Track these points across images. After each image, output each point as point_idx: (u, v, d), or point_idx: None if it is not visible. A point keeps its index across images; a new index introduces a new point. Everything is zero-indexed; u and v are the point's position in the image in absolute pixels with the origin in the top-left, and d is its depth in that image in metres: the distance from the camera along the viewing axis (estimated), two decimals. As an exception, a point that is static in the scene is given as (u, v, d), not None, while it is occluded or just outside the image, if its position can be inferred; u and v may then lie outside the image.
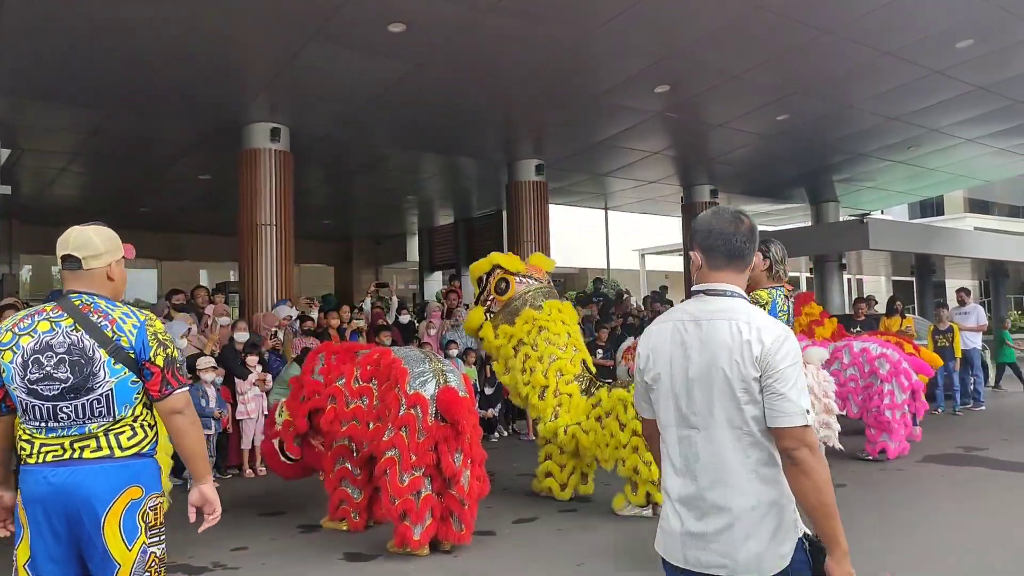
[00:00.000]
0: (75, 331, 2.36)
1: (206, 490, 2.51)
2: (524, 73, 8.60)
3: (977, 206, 34.46)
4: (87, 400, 2.33)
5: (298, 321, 9.10)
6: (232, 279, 16.61)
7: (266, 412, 7.67)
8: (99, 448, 2.34)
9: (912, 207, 31.28)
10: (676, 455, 2.03)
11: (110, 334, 2.37)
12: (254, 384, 7.63)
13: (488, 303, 6.46)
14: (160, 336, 2.44)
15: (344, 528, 5.43)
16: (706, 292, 2.05)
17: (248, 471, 7.63)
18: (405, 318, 10.96)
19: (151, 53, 7.50)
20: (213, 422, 7.13)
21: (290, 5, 6.74)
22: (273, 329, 8.58)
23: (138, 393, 2.41)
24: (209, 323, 8.24)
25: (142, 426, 2.43)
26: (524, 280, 6.44)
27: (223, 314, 8.67)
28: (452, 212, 17.54)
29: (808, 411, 1.89)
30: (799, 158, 13.38)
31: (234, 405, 7.53)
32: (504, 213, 14.25)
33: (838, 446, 7.00)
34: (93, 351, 2.34)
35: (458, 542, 4.91)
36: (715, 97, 9.77)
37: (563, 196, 15.88)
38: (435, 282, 19.45)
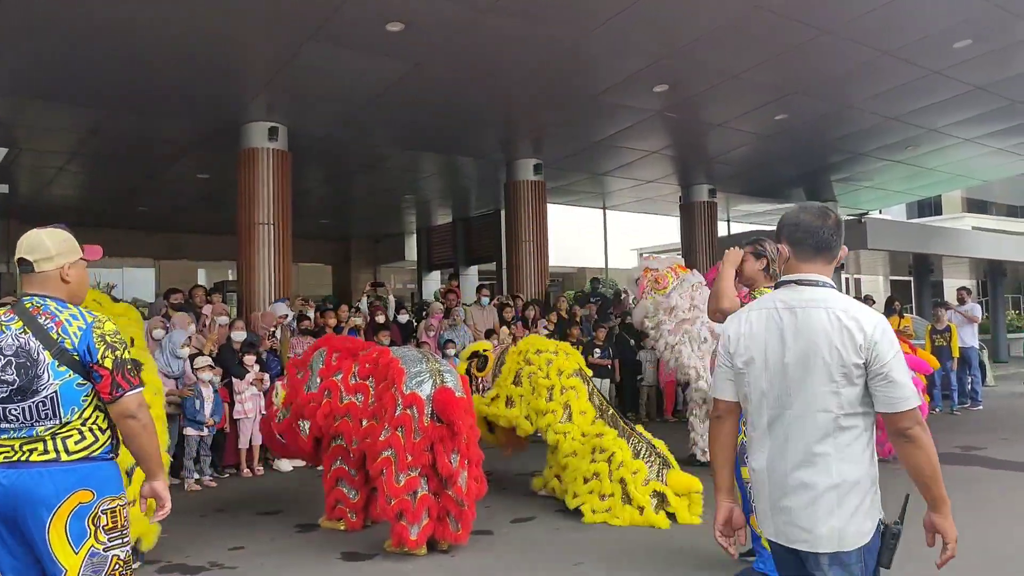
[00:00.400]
0: (23, 333, 2.37)
1: (158, 487, 2.53)
2: (523, 72, 8.60)
3: (975, 206, 34.49)
4: (33, 402, 2.33)
5: (295, 321, 9.10)
6: (230, 278, 16.61)
7: (263, 412, 7.67)
8: (46, 452, 2.34)
9: (910, 207, 31.31)
10: (765, 435, 2.17)
11: (55, 336, 2.37)
12: (251, 384, 7.62)
13: (479, 386, 6.77)
14: (108, 338, 2.42)
15: (342, 528, 5.43)
16: (797, 282, 2.18)
17: (246, 470, 7.62)
18: (404, 317, 10.96)
19: (150, 53, 7.49)
20: (206, 427, 7.12)
21: (289, 5, 6.73)
22: (271, 329, 8.57)
23: (86, 396, 2.40)
24: (207, 323, 8.24)
25: (91, 430, 2.41)
26: (497, 347, 6.91)
27: (222, 313, 8.67)
28: (451, 211, 17.54)
29: (915, 391, 2.07)
30: (797, 158, 13.38)
31: (232, 404, 7.53)
32: (503, 212, 14.25)
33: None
34: (38, 353, 2.35)
35: (455, 542, 4.90)
36: (714, 97, 9.78)
37: (561, 195, 15.88)
38: (433, 281, 19.45)
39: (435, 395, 4.81)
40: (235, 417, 7.54)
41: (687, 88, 9.44)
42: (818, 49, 8.30)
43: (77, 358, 2.37)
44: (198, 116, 9.64)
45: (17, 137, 10.26)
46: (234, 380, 7.57)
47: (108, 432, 2.47)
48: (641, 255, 7.99)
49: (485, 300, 11.24)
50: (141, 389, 2.47)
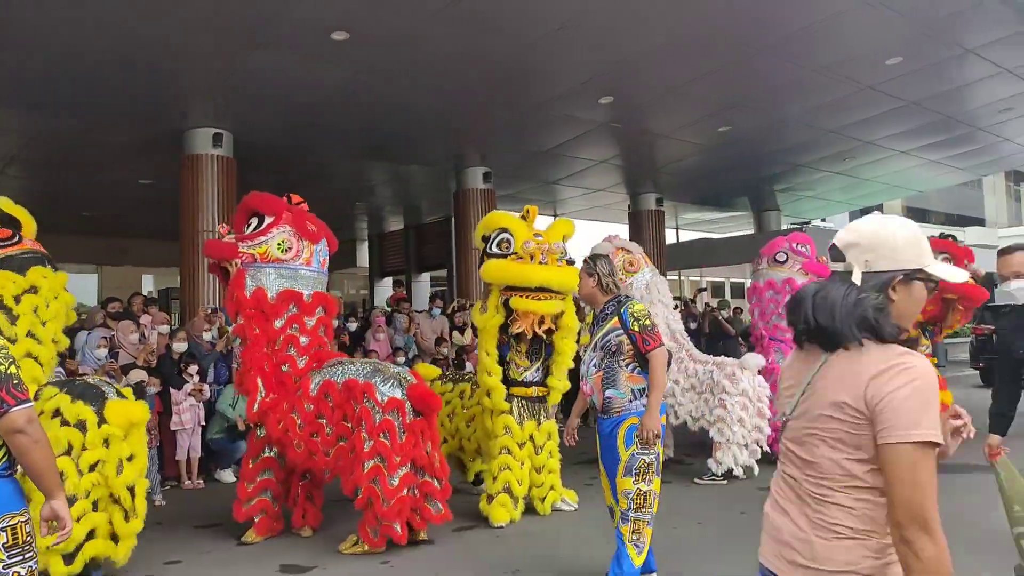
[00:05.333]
0: None
1: (57, 506, 2.47)
2: (469, 82, 8.66)
3: (916, 215, 35.54)
4: None
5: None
6: (178, 284, 16.29)
7: (202, 423, 7.56)
8: None
9: (854, 215, 32.14)
10: None
11: None
12: (190, 394, 7.47)
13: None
14: None
15: (259, 539, 5.47)
16: None
17: (187, 482, 7.51)
18: (353, 325, 10.89)
19: (91, 57, 7.37)
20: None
21: (232, 11, 6.69)
22: (207, 328, 8.35)
23: None
24: (146, 332, 8.06)
25: None
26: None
27: (164, 323, 8.51)
28: (402, 218, 17.51)
29: None
30: (741, 168, 13.69)
31: (168, 415, 7.37)
32: (453, 220, 14.27)
33: (767, 448, 7.23)
34: None
35: (440, 522, 5.17)
36: (658, 109, 9.98)
37: (512, 203, 15.89)
38: (385, 288, 19.37)
39: (410, 391, 5.02)
40: (172, 428, 7.40)
41: (632, 100, 9.61)
42: (756, 65, 8.54)
43: None
44: (140, 121, 9.47)
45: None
46: (172, 391, 7.42)
47: (4, 449, 2.42)
48: (611, 237, 7.87)
49: (436, 311, 11.22)
50: (30, 404, 2.40)
